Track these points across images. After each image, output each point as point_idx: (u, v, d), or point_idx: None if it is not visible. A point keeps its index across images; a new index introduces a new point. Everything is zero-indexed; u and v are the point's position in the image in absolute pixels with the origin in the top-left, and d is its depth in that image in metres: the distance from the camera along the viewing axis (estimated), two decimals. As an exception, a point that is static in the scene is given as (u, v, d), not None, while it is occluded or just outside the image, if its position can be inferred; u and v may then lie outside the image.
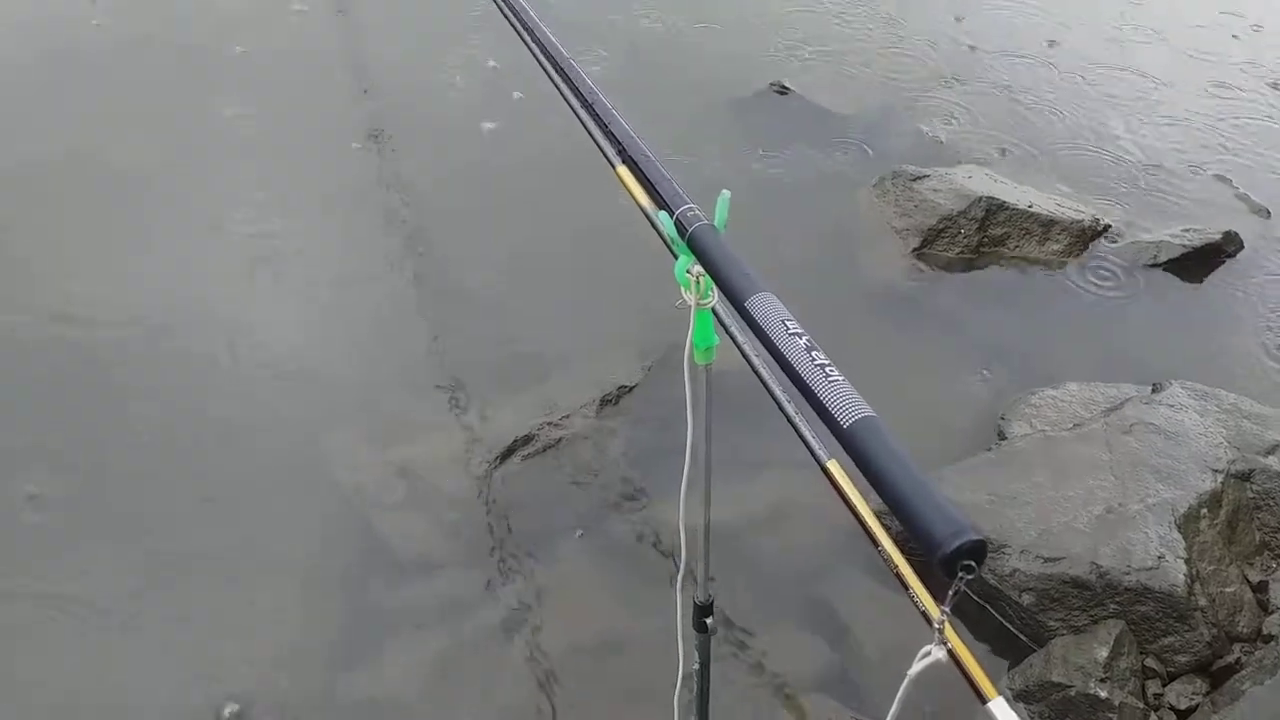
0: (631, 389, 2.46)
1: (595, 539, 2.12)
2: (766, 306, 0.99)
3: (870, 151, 3.34)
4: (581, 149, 1.72)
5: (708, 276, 1.17)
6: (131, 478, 2.22)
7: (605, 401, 2.42)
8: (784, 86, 3.66)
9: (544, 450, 2.29)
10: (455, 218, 3.04)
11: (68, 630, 1.94)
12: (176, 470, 2.24)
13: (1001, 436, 2.37)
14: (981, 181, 3.11)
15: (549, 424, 2.35)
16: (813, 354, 0.92)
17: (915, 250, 2.94)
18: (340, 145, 3.30)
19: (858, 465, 0.84)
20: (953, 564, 0.75)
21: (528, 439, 2.30)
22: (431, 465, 2.25)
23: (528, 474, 2.25)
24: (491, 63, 3.64)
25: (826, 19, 4.20)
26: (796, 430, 1.44)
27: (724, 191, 1.17)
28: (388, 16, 3.98)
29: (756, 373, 1.44)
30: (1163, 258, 2.95)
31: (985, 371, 2.58)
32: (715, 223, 1.17)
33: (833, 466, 1.36)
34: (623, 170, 1.59)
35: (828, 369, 0.90)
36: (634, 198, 1.55)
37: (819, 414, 0.88)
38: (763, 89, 3.65)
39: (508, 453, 2.27)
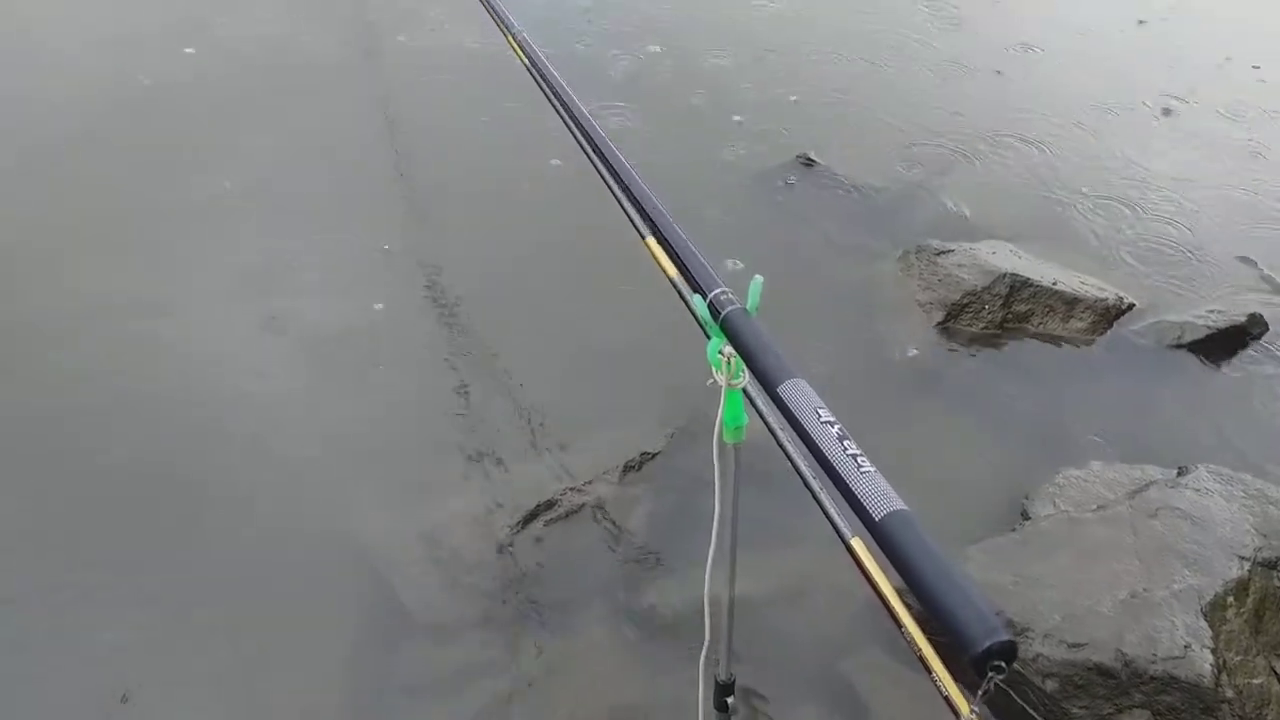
0: (654, 456, 2.47)
1: (615, 609, 2.11)
2: (799, 393, 1.01)
3: (896, 225, 3.38)
4: (610, 217, 1.76)
5: (739, 358, 1.20)
6: (149, 535, 2.24)
7: (628, 468, 2.42)
8: (810, 159, 3.72)
9: (566, 516, 2.29)
10: (482, 280, 3.09)
11: (86, 683, 1.95)
12: (197, 526, 2.25)
13: (1025, 516, 2.36)
14: (1005, 257, 3.14)
15: (571, 489, 2.36)
16: (845, 444, 0.93)
17: (939, 324, 2.96)
18: (368, 202, 3.38)
19: (890, 559, 0.85)
20: (984, 663, 0.75)
21: (550, 504, 2.31)
22: (453, 528, 2.26)
23: (549, 540, 2.25)
24: (526, 129, 3.72)
25: (855, 91, 4.27)
26: (821, 508, 1.45)
27: (757, 277, 1.20)
28: (426, 77, 4.10)
29: (784, 450, 1.46)
30: (1187, 338, 2.95)
31: (1009, 449, 2.58)
32: (748, 306, 1.20)
33: (856, 544, 1.37)
34: (651, 241, 1.63)
35: (859, 460, 0.91)
36: (662, 269, 1.58)
37: (851, 505, 0.90)
38: (789, 161, 3.71)
39: (530, 518, 2.28)
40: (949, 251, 3.13)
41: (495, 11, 2.30)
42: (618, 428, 2.57)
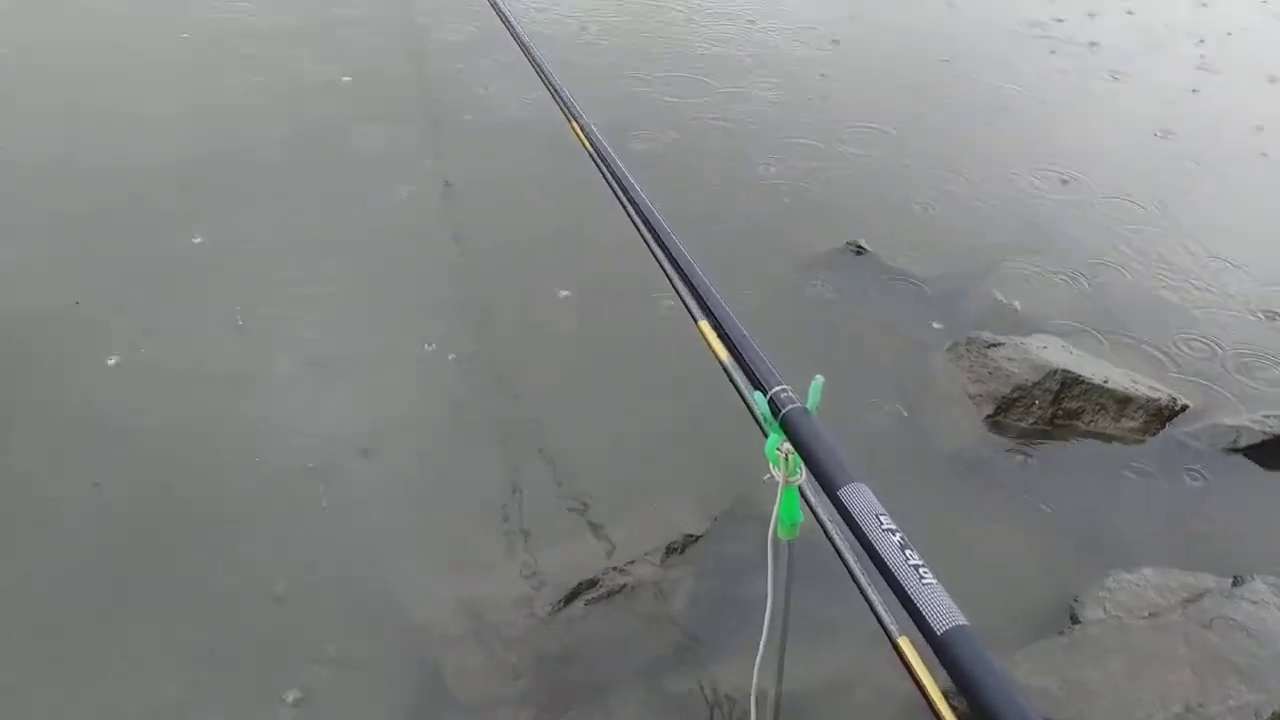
0: (698, 539, 2.46)
1: (654, 694, 2.09)
2: (860, 498, 1.02)
3: (946, 315, 3.38)
4: (662, 295, 1.79)
5: (796, 455, 1.21)
6: (191, 595, 2.27)
7: (671, 550, 2.42)
8: (860, 246, 3.75)
9: (608, 596, 2.29)
10: (529, 354, 3.13)
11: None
12: (238, 588, 2.28)
13: (1074, 619, 2.31)
14: (1056, 352, 3.12)
15: (614, 569, 2.36)
16: (907, 553, 0.94)
17: (988, 418, 2.94)
18: (416, 280, 3.45)
19: (949, 673, 0.85)
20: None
21: (592, 583, 2.31)
22: (495, 603, 2.26)
23: (590, 620, 2.24)
24: (586, 206, 3.80)
25: (906, 178, 4.33)
26: (871, 607, 1.44)
27: (818, 377, 1.22)
28: (485, 153, 4.22)
29: (835, 547, 1.46)
30: (1243, 443, 2.91)
31: (1058, 548, 2.54)
32: (808, 405, 1.21)
33: (904, 643, 1.36)
34: (704, 325, 1.67)
35: (921, 571, 0.92)
36: (714, 353, 1.61)
37: (911, 616, 0.90)
38: (839, 247, 3.74)
39: (572, 596, 2.28)
40: (999, 344, 3.12)
41: (561, 99, 2.38)
42: (661, 507, 2.57)
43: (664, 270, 1.79)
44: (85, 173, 3.87)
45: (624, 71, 5.08)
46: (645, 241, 1.85)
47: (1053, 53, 5.80)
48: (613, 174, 1.98)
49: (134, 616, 2.21)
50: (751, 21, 5.94)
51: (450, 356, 3.06)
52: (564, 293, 3.39)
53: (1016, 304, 3.50)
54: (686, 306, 1.75)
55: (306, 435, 2.73)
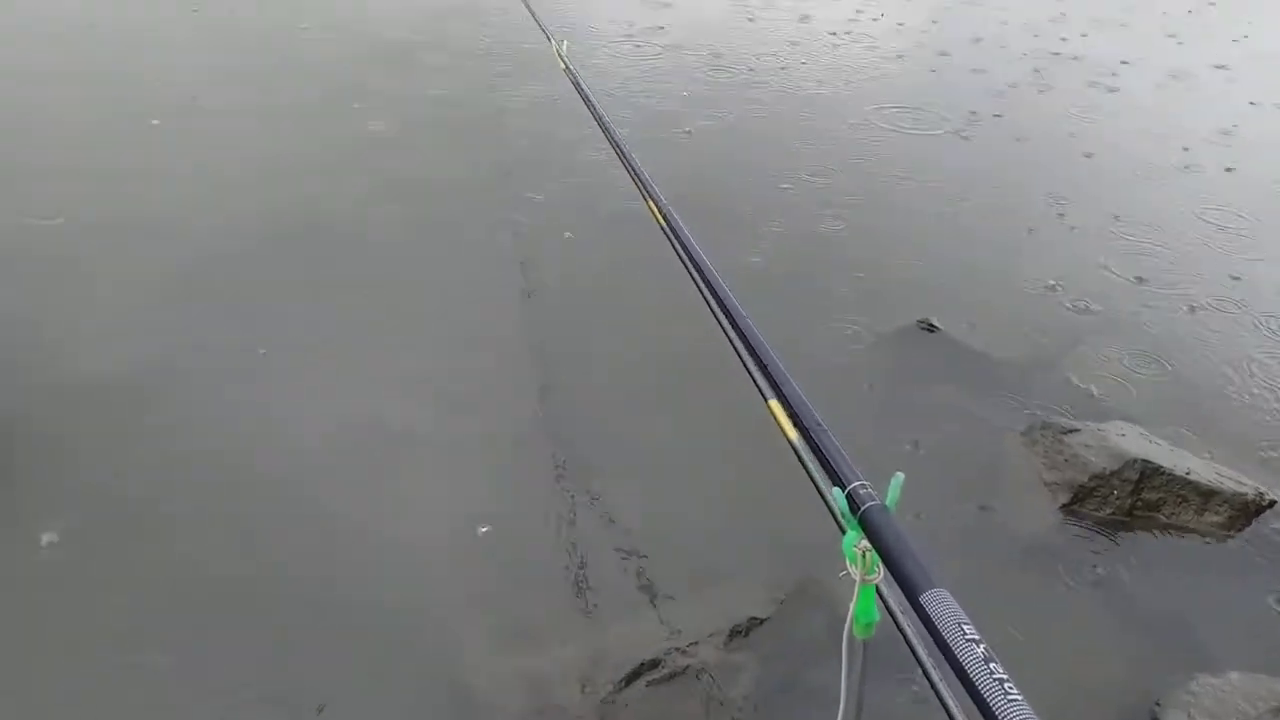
0: (763, 622, 2.42)
1: (715, 784, 2.05)
2: (943, 605, 1.00)
3: (1021, 398, 3.32)
4: (732, 369, 1.79)
5: (875, 554, 1.19)
6: (253, 657, 2.29)
7: (735, 632, 2.38)
8: (932, 324, 3.72)
9: (670, 678, 2.25)
10: (595, 426, 3.15)
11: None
12: (301, 655, 2.30)
13: (1156, 725, 2.21)
14: (1135, 440, 3.04)
15: (676, 649, 2.32)
16: (991, 665, 0.91)
17: (1065, 506, 2.86)
18: (494, 339, 3.50)
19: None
20: None
21: (654, 664, 2.27)
22: (555, 679, 2.24)
23: (650, 701, 2.21)
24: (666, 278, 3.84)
25: (980, 255, 4.30)
26: (948, 712, 1.40)
27: (898, 474, 1.20)
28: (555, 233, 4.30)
29: (913, 651, 1.42)
30: (1336, 542, 2.78)
31: (1138, 648, 2.44)
32: (887, 502, 1.19)
33: (980, 752, 1.31)
34: (774, 404, 1.65)
35: (1007, 685, 0.89)
36: (784, 434, 1.59)
37: (995, 733, 0.87)
38: (909, 325, 3.72)
39: (633, 676, 2.25)
40: (1076, 430, 3.05)
41: (638, 177, 2.42)
42: (726, 586, 2.54)
43: (735, 348, 1.79)
44: (202, 233, 4.04)
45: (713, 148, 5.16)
46: (718, 319, 1.85)
47: (1133, 129, 5.75)
48: (685, 250, 2.00)
49: (215, 652, 2.24)
50: (821, 81, 6.00)
51: (521, 428, 3.10)
52: (633, 363, 3.41)
53: (1093, 388, 3.42)
54: (756, 384, 1.74)
55: (372, 501, 2.76)
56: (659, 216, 2.18)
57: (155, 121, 5.13)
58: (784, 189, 4.81)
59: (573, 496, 2.85)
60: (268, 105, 5.43)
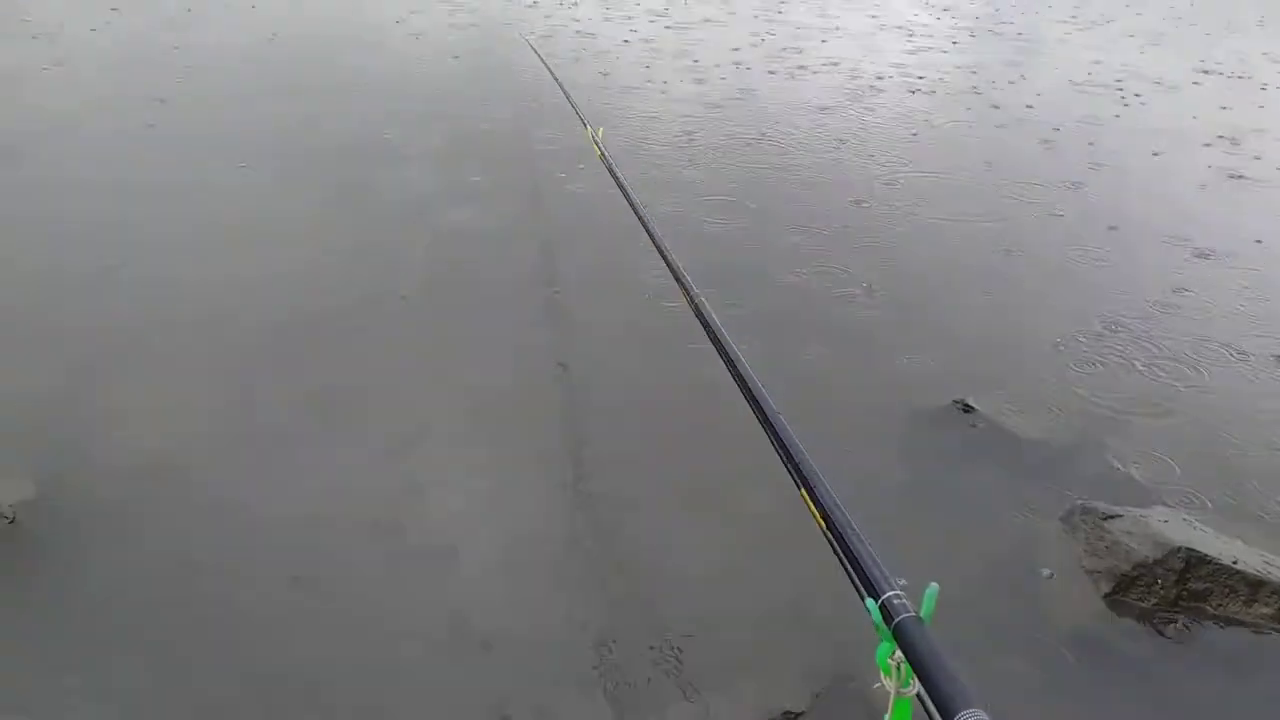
0: (797, 716, 2.38)
1: None
2: (979, 728, 0.99)
3: (1059, 481, 3.28)
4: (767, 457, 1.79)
5: (909, 666, 1.18)
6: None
7: (769, 726, 2.35)
8: (968, 405, 3.70)
9: (703, 772, 2.22)
10: (631, 512, 3.14)
11: None
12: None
13: (1209, 830, 2.14)
14: (1179, 528, 2.98)
15: (710, 742, 2.29)
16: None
17: (1107, 596, 2.80)
18: (530, 433, 3.53)
19: None
20: None
21: (688, 757, 2.25)
22: (589, 771, 2.22)
23: (685, 797, 2.17)
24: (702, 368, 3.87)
25: (1018, 332, 4.28)
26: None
27: (932, 585, 1.20)
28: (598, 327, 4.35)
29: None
30: (1393, 636, 2.69)
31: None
32: (922, 613, 1.19)
33: None
34: (805, 494, 1.65)
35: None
36: (817, 522, 1.59)
37: None
38: (945, 405, 3.70)
39: (666, 769, 2.22)
40: (1117, 516, 3.00)
41: (671, 265, 2.46)
42: (761, 677, 2.51)
43: (769, 436, 1.79)
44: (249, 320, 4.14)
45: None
46: (755, 414, 1.86)
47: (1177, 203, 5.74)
48: (718, 341, 2.03)
49: None
50: (842, 142, 6.07)
51: (554, 514, 3.11)
52: (665, 447, 3.43)
53: (1134, 471, 3.37)
54: (791, 474, 1.74)
55: (407, 598, 2.78)
56: (693, 306, 2.21)
57: (231, 230, 5.28)
58: (813, 261, 4.83)
59: (600, 579, 2.84)
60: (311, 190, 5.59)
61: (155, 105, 7.02)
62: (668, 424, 3.61)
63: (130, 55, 7.76)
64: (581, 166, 5.93)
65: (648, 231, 2.79)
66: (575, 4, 9.35)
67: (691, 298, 2.18)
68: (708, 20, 9.49)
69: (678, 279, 2.32)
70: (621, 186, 3.28)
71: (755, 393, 1.84)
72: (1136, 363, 4.06)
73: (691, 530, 3.05)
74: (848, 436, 3.47)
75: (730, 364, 1.86)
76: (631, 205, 3.05)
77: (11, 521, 2.85)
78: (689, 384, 3.75)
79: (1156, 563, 2.82)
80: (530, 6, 10.11)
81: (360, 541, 2.93)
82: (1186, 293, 4.73)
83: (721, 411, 3.32)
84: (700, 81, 7.95)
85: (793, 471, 1.70)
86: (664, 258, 2.52)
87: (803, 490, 1.67)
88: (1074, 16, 11.91)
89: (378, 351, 3.97)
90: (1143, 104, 8.07)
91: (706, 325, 2.10)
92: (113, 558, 2.82)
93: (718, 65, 8.29)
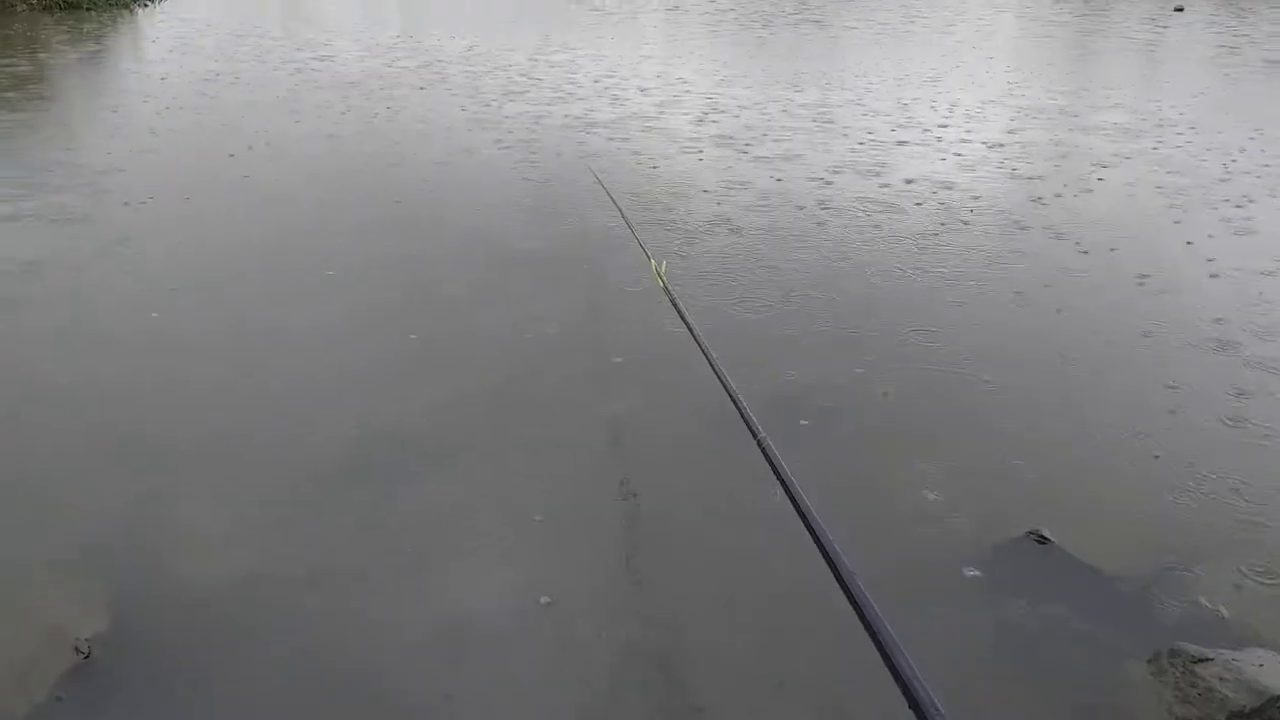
0: None
1: None
2: None
3: (1144, 620, 3.16)
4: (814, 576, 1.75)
5: None
6: None
7: None
8: (1043, 536, 3.60)
9: None
10: (689, 625, 3.09)
11: None
12: None
13: None
14: (1277, 672, 2.83)
15: None
16: None
17: (1202, 747, 2.66)
18: (590, 561, 3.51)
19: None
20: None
21: None
22: None
23: None
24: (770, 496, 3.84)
25: (1093, 455, 4.18)
26: None
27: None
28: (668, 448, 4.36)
29: None
30: None
31: None
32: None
33: None
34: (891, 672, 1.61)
35: None
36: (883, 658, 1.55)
37: None
38: (1018, 536, 3.61)
39: None
40: (1208, 660, 2.86)
41: (735, 400, 2.48)
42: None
43: (846, 595, 1.77)
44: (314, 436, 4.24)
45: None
46: (831, 569, 1.84)
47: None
48: (785, 485, 2.02)
49: None
50: (914, 270, 6.07)
51: (616, 669, 3.07)
52: (726, 583, 3.38)
53: (1224, 609, 3.23)
54: (854, 607, 1.70)
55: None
56: (761, 447, 2.22)
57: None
58: (871, 380, 4.80)
59: (644, 686, 2.78)
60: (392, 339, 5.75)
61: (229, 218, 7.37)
62: (734, 560, 3.57)
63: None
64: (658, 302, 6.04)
65: (711, 365, 2.82)
66: (626, 138, 9.67)
67: (759, 440, 2.19)
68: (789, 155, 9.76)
69: (745, 419, 2.33)
70: (685, 320, 3.34)
71: (832, 555, 1.81)
72: (1225, 492, 3.92)
73: (758, 673, 2.99)
74: (912, 573, 3.39)
75: (804, 517, 1.85)
76: (696, 339, 3.10)
77: (87, 657, 2.89)
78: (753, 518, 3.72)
79: (1254, 712, 2.68)
80: (585, 130, 10.50)
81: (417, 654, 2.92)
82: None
83: (795, 569, 3.29)
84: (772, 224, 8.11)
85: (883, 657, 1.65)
86: (730, 394, 2.54)
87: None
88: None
89: (450, 473, 4.01)
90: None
91: (774, 467, 2.10)
92: (195, 695, 2.83)
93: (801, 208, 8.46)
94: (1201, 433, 4.40)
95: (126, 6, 24.68)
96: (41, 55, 15.66)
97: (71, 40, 17.65)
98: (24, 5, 22.23)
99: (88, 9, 23.29)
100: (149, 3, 25.83)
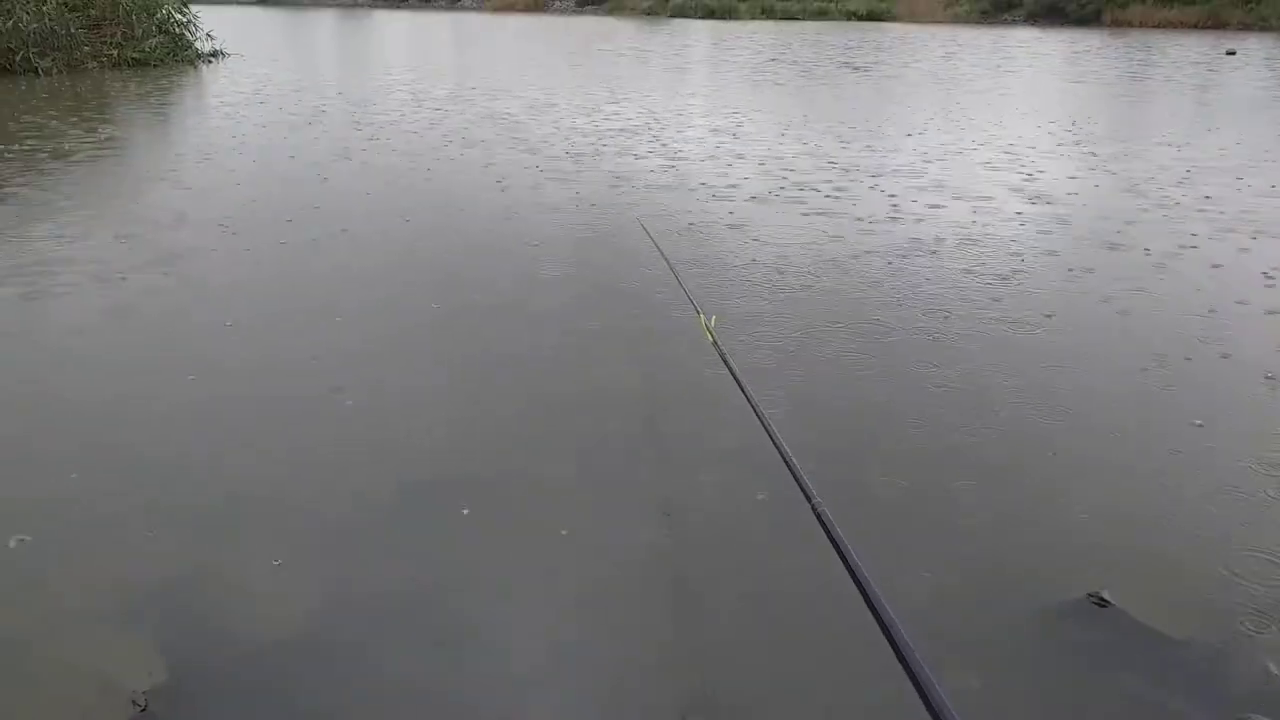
0: None
1: None
2: None
3: (1211, 689, 3.05)
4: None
5: None
6: None
7: None
8: (1102, 599, 3.50)
9: None
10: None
11: None
12: None
13: None
14: (1355, 748, 2.72)
15: None
16: None
17: (1278, 828, 2.55)
18: (641, 641, 3.49)
19: None
20: None
21: None
22: None
23: None
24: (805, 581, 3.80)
25: (1153, 511, 4.07)
26: None
27: None
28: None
29: None
30: None
31: None
32: None
33: None
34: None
35: None
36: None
37: None
38: (1078, 598, 3.51)
39: None
40: (1282, 734, 2.76)
41: (791, 466, 2.47)
42: None
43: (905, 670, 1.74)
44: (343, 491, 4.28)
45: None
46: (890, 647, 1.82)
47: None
48: (840, 552, 2.00)
49: None
50: (947, 315, 6.02)
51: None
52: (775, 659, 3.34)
53: (1298, 679, 3.11)
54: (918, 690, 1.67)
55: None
56: (817, 513, 2.20)
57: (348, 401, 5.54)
58: (922, 437, 4.74)
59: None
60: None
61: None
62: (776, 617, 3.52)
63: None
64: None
65: (762, 422, 2.82)
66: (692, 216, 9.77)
67: (814, 505, 2.17)
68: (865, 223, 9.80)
69: (799, 482, 2.31)
70: (735, 375, 3.34)
71: (891, 630, 1.78)
72: (1288, 553, 3.80)
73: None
74: (968, 637, 3.31)
75: (861, 587, 1.83)
76: (746, 395, 3.09)
77: (144, 709, 2.92)
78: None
79: (1333, 791, 2.56)
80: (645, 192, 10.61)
81: None
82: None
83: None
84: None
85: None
86: (783, 457, 2.53)
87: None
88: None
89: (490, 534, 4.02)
90: None
91: (829, 532, 2.08)
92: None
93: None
94: (1271, 493, 4.27)
95: (191, 63, 25.61)
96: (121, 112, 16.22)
97: (143, 94, 18.29)
98: (94, 63, 23.15)
99: (154, 65, 24.21)
100: (212, 59, 26.77)
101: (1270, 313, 6.66)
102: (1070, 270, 7.69)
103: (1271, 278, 7.52)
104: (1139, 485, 4.35)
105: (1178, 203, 10.10)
